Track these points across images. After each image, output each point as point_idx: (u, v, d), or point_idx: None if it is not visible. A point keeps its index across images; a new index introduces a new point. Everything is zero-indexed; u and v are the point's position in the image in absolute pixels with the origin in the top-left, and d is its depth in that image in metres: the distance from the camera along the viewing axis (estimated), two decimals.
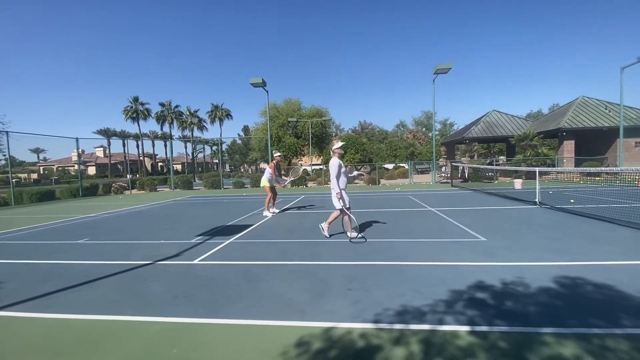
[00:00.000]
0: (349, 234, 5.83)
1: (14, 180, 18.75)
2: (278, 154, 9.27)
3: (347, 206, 5.68)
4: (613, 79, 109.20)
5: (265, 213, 8.88)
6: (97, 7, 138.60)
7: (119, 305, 3.31)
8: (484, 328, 2.57)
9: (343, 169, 5.67)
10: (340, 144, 5.83)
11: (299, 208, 10.56)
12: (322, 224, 6.12)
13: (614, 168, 14.49)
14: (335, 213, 5.89)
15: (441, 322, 2.68)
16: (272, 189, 9.11)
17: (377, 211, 9.30)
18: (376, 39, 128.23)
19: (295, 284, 3.75)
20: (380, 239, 5.76)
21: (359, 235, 5.79)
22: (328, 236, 5.90)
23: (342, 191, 5.60)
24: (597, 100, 25.11)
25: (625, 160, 20.82)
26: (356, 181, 24.16)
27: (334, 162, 5.60)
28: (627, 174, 15.10)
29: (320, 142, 39.21)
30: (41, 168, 64.69)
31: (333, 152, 5.76)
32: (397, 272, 4.00)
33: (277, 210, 9.47)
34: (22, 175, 52.32)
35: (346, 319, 2.83)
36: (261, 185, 9.22)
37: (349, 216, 5.70)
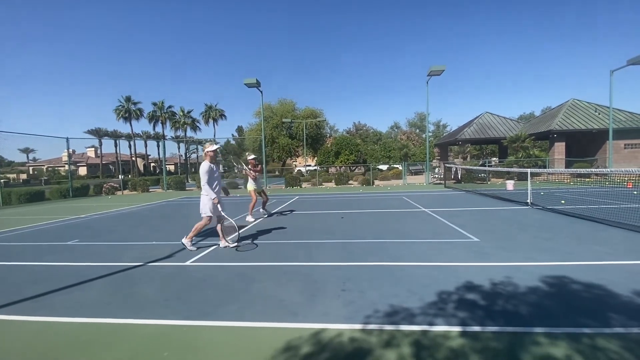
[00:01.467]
0: (221, 243, 5.52)
1: (2, 180, 18.40)
2: (252, 156, 8.64)
3: (219, 214, 5.35)
4: (603, 81, 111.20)
5: (248, 218, 8.47)
6: (89, 5, 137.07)
7: (109, 308, 3.25)
8: (477, 328, 2.59)
9: (216, 174, 5.32)
10: (214, 147, 5.32)
11: (292, 210, 10.53)
12: (183, 240, 5.52)
13: (604, 169, 14.75)
14: (204, 221, 5.36)
15: (435, 323, 2.69)
16: (260, 193, 8.80)
17: (371, 212, 9.32)
18: (370, 40, 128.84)
19: (289, 285, 3.74)
20: (374, 240, 5.77)
21: (233, 245, 5.51)
22: (195, 249, 5.42)
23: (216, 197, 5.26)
24: (587, 102, 25.55)
25: (615, 162, 21.20)
26: (350, 182, 24.19)
27: (204, 166, 5.17)
28: (617, 175, 15.36)
29: (315, 143, 39.24)
30: (31, 168, 63.62)
31: (205, 154, 5.32)
32: (391, 273, 4.00)
33: (267, 215, 9.09)
34: (11, 176, 51.47)
35: (340, 320, 2.82)
36: (248, 190, 8.78)
37: (222, 224, 5.41)
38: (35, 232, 7.76)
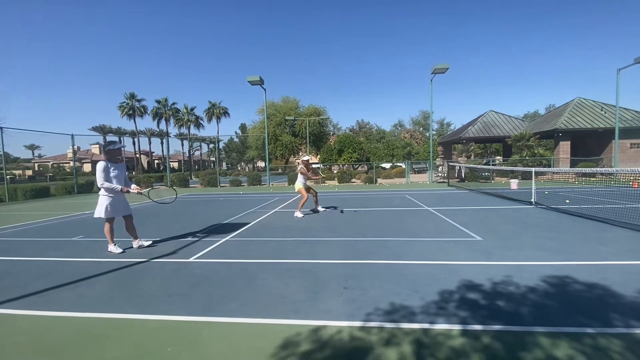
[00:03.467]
0: (134, 243, 5.42)
1: (8, 176, 18.59)
2: (306, 157, 9.19)
3: (110, 216, 5.10)
4: (609, 80, 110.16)
5: (297, 214, 8.59)
6: (93, 2, 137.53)
7: (113, 303, 3.29)
8: (479, 327, 2.58)
9: (114, 173, 4.97)
10: (116, 145, 5.06)
11: (294, 207, 10.54)
12: (108, 248, 5.27)
13: (609, 169, 14.61)
14: (107, 224, 5.17)
15: (437, 321, 2.69)
16: (308, 189, 8.97)
17: (374, 210, 9.31)
18: (375, 38, 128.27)
19: (291, 282, 3.75)
20: (377, 238, 5.77)
21: (148, 244, 5.48)
22: (122, 250, 5.23)
23: (111, 197, 5.02)
24: (593, 101, 25.32)
25: (621, 161, 21.01)
26: (353, 180, 24.17)
27: (100, 165, 4.85)
28: (622, 174, 15.21)
29: (318, 141, 39.21)
30: (36, 165, 64.17)
31: (105, 153, 5.04)
32: (394, 271, 4.00)
33: (322, 208, 9.39)
34: (17, 172, 51.82)
35: (342, 317, 2.83)
36: (296, 189, 8.97)
37: (111, 226, 5.20)
38: (41, 228, 7.84)
